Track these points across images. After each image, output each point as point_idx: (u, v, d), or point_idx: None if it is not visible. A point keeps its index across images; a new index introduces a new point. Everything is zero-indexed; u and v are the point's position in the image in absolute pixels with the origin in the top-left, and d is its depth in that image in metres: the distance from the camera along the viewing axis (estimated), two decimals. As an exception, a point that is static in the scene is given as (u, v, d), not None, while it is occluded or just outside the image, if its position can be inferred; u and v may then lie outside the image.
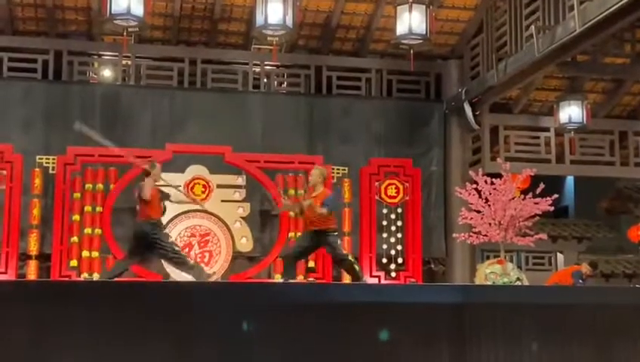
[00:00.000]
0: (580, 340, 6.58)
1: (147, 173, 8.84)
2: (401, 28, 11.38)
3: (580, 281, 11.61)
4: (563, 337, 6.56)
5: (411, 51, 11.63)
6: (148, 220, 8.65)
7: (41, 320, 5.89)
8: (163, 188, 9.28)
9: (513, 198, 10.99)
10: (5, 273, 11.65)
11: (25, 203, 11.95)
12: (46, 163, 12.03)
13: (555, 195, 11.21)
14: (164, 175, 12.03)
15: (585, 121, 13.50)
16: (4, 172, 11.91)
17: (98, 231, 11.94)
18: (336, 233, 8.88)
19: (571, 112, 13.51)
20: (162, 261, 9.69)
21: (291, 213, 11.09)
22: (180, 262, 8.83)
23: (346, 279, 12.09)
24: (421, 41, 11.44)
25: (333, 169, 12.53)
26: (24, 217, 11.91)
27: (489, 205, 11.00)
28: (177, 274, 11.80)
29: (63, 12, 13.04)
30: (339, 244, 9.01)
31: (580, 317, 6.65)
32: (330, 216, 8.74)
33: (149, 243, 8.64)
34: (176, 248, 9.10)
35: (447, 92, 14.09)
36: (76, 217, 11.94)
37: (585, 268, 12.01)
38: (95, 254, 11.88)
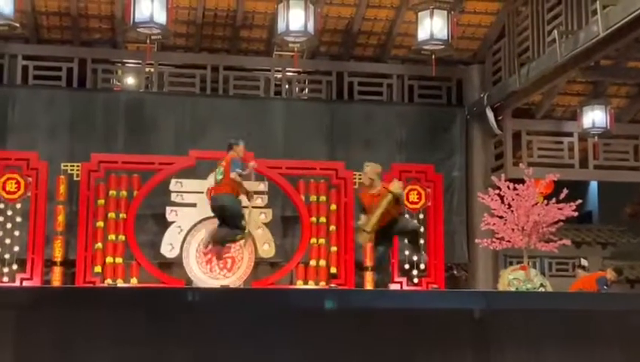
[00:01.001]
0: (606, 347, 6.53)
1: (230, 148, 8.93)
2: (422, 33, 11.38)
3: (605, 287, 11.52)
4: (588, 344, 6.50)
5: (433, 57, 11.61)
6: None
7: (65, 325, 5.94)
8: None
9: (536, 204, 10.92)
10: (31, 279, 11.76)
11: (50, 209, 12.06)
12: (70, 170, 12.13)
13: (579, 201, 11.14)
14: (187, 181, 12.22)
15: (608, 126, 13.41)
16: (30, 179, 12.04)
17: (122, 237, 12.02)
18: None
19: (595, 117, 13.42)
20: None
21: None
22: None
23: (369, 285, 12.14)
24: (443, 46, 11.42)
25: (354, 175, 12.54)
26: (49, 224, 12.02)
27: (512, 211, 10.94)
28: (200, 280, 11.91)
29: (87, 20, 13.18)
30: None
31: (605, 324, 6.59)
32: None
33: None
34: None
35: (468, 97, 14.06)
36: (100, 223, 12.02)
37: (610, 274, 11.92)
38: (119, 260, 11.95)
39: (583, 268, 13.03)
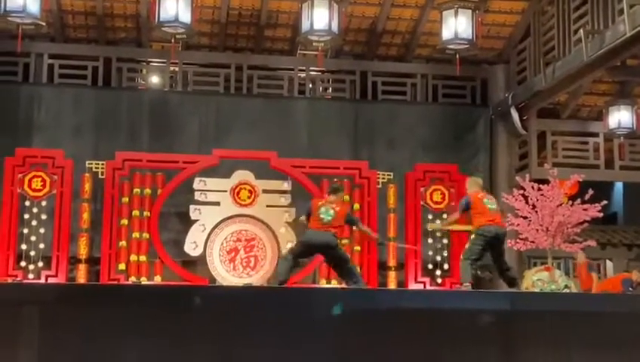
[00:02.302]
0: (630, 348, 6.47)
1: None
2: (446, 33, 11.34)
3: (630, 289, 11.42)
4: (612, 345, 6.45)
5: (457, 56, 11.57)
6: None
7: (90, 322, 5.99)
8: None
9: (561, 204, 10.84)
10: (56, 276, 11.85)
11: (75, 207, 12.15)
12: (95, 168, 12.20)
13: (604, 201, 11.04)
14: (210, 180, 12.26)
15: (635, 127, 13.29)
16: (56, 177, 12.14)
17: (146, 235, 12.09)
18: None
19: (621, 117, 13.31)
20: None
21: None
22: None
23: (392, 284, 12.11)
24: (467, 45, 11.38)
25: (378, 174, 12.51)
26: (74, 221, 12.11)
27: (536, 211, 10.87)
28: (223, 278, 11.95)
29: (112, 20, 13.26)
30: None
31: (630, 325, 6.54)
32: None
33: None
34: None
35: (493, 97, 13.98)
36: (124, 221, 12.09)
37: (635, 276, 11.81)
38: (143, 258, 12.02)
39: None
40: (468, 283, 8.69)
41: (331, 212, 8.65)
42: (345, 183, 12.50)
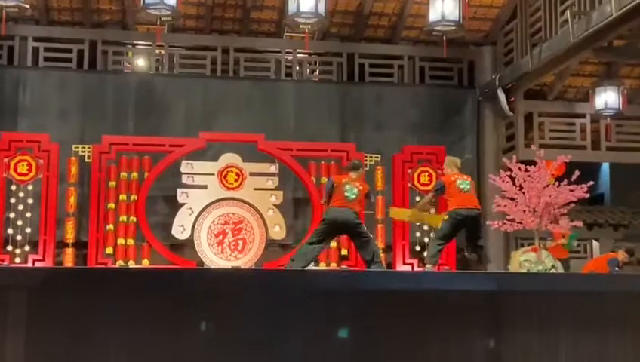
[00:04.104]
0: (616, 328, 6.51)
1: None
2: (433, 14, 11.31)
3: (616, 269, 11.48)
4: (599, 325, 6.49)
5: (444, 38, 11.54)
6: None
7: (77, 306, 5.97)
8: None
9: (548, 185, 10.86)
10: (43, 260, 11.82)
11: (61, 191, 12.11)
12: (82, 152, 12.16)
13: (591, 182, 11.07)
14: (197, 163, 12.24)
15: (621, 107, 13.33)
16: (41, 161, 12.07)
17: (133, 219, 12.07)
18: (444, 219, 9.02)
19: (607, 98, 13.34)
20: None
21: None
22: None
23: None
24: (454, 27, 11.35)
25: (365, 156, 12.51)
26: (61, 205, 12.07)
27: (523, 192, 10.89)
28: (211, 261, 11.95)
29: (97, 2, 13.18)
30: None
31: (616, 305, 6.58)
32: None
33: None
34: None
35: (480, 79, 13.99)
36: (111, 205, 12.06)
37: (621, 256, 11.88)
38: (130, 242, 12.01)
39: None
40: (431, 266, 8.73)
41: (355, 190, 8.56)
42: (332, 166, 12.52)
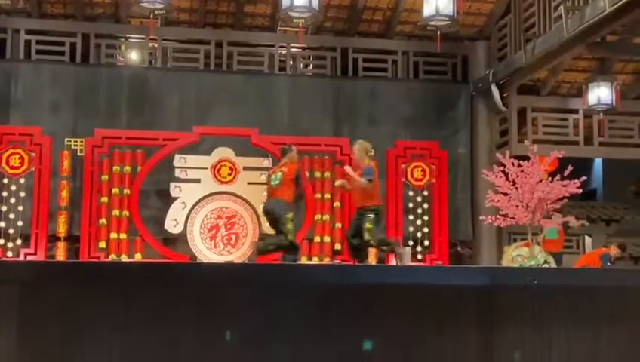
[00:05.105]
0: (609, 323, 6.54)
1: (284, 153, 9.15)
2: (427, 9, 11.28)
3: (609, 264, 11.52)
4: (591, 320, 6.51)
5: (438, 33, 11.52)
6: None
7: (69, 300, 5.96)
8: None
9: (541, 181, 10.86)
10: (35, 254, 11.79)
11: (54, 185, 12.07)
12: (74, 145, 12.12)
13: (584, 178, 11.08)
14: (191, 157, 12.22)
15: (614, 103, 13.33)
16: (34, 154, 12.03)
17: (126, 213, 12.03)
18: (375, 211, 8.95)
19: (600, 94, 13.34)
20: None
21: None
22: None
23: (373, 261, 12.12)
24: (448, 22, 11.32)
25: (359, 151, 12.49)
26: (53, 199, 12.03)
27: (516, 187, 10.88)
28: (204, 256, 11.93)
29: (90, -5, 13.11)
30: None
31: (608, 299, 6.60)
32: (371, 191, 8.89)
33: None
34: None
35: (474, 74, 13.99)
36: (104, 199, 12.03)
37: (613, 251, 11.91)
38: (123, 236, 11.98)
39: None
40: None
41: (279, 174, 8.78)
42: (326, 160, 12.51)
